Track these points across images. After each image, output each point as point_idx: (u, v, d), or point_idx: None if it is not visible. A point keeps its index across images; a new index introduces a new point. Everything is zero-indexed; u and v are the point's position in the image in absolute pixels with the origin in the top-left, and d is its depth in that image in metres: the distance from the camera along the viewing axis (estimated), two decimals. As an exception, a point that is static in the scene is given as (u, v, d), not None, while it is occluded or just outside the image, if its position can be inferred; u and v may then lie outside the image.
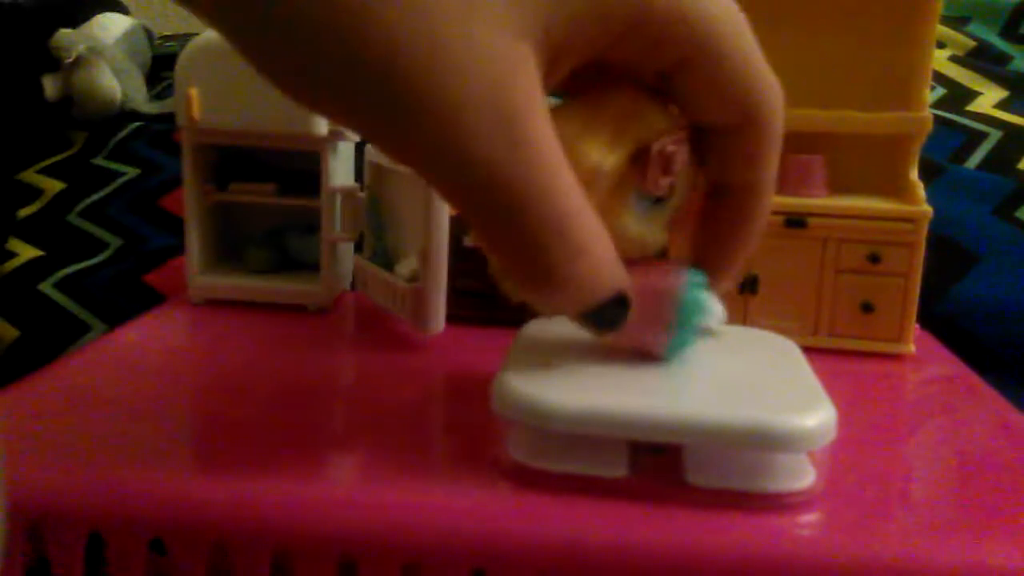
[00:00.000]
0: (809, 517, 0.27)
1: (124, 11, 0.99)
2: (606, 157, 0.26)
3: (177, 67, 0.47)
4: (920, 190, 0.44)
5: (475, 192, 0.22)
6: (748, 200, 0.29)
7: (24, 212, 0.74)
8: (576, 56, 0.24)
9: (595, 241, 0.24)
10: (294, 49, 0.21)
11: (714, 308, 0.30)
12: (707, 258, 0.30)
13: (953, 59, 0.80)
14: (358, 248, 0.51)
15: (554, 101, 0.27)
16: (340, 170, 0.50)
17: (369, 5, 0.20)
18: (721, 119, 0.27)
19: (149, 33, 0.96)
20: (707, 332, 0.30)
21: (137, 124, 0.80)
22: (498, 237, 0.24)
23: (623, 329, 0.27)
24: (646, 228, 0.29)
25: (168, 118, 0.79)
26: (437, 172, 0.23)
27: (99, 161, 0.77)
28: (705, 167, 0.29)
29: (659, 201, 0.29)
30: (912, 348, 0.44)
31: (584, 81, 0.27)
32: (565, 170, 0.23)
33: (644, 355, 0.31)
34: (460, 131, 0.21)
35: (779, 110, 0.27)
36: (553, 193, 0.23)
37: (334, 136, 0.48)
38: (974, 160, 0.66)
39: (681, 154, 0.28)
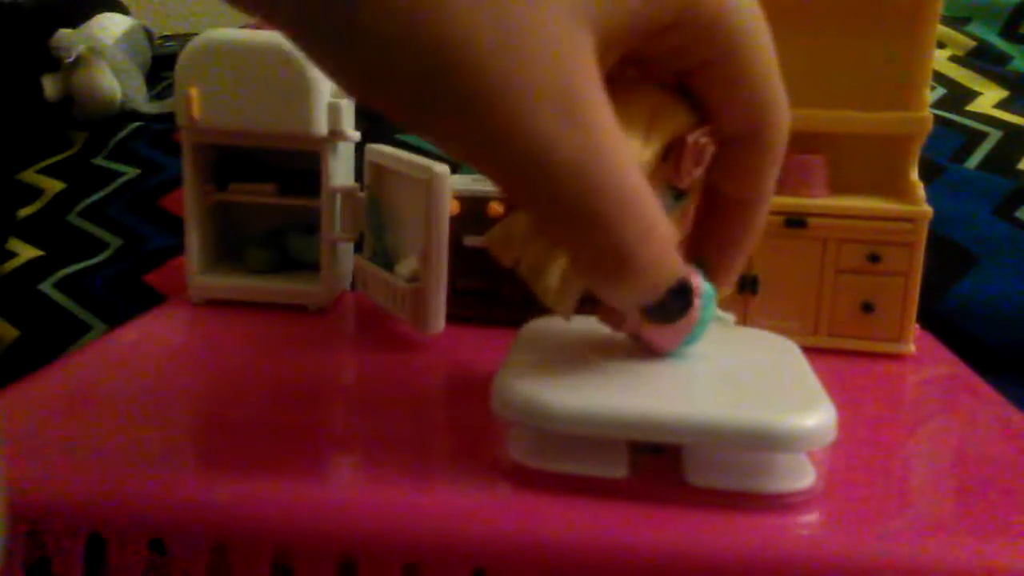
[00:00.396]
0: (809, 517, 0.27)
1: (124, 11, 0.99)
2: (643, 151, 0.26)
3: (177, 67, 0.47)
4: (920, 190, 0.44)
5: (542, 176, 0.22)
6: (745, 211, 0.29)
7: (24, 212, 0.74)
8: (623, 46, 0.25)
9: (662, 220, 0.25)
10: (366, 45, 0.21)
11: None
12: (704, 261, 0.30)
13: (953, 59, 0.80)
14: (358, 248, 0.51)
15: None
16: (340, 170, 0.50)
17: None
18: (728, 128, 0.27)
19: (149, 33, 0.96)
20: (719, 321, 0.30)
21: (137, 124, 0.80)
22: (566, 222, 0.23)
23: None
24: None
25: (168, 118, 0.79)
26: (503, 159, 0.22)
27: (99, 161, 0.77)
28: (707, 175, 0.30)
29: (680, 196, 0.29)
30: (912, 348, 0.44)
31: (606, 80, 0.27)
32: (627, 151, 0.24)
33: (653, 350, 0.31)
34: (526, 114, 0.22)
35: (785, 129, 0.28)
36: (620, 172, 0.23)
37: (334, 136, 0.48)
38: (974, 160, 0.66)
39: (711, 146, 0.28)
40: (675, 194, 0.29)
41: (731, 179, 0.29)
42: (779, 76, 0.27)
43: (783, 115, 0.27)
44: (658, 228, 0.24)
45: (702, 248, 0.30)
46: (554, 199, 0.23)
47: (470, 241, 0.47)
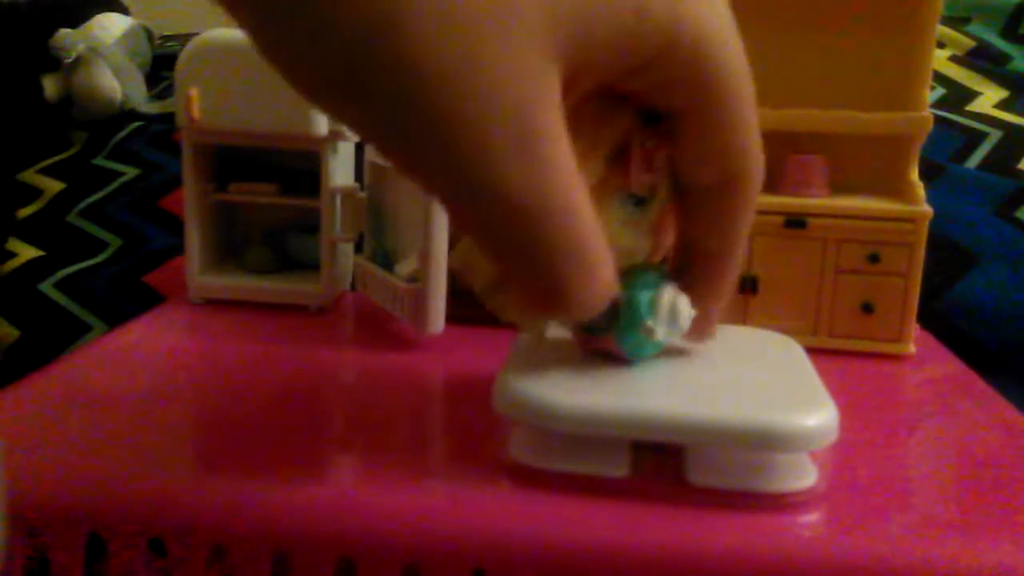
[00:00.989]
0: (810, 517, 0.27)
1: (124, 11, 0.99)
2: (591, 161, 0.26)
3: (177, 67, 0.47)
4: (920, 190, 0.44)
5: (493, 211, 0.22)
6: (714, 263, 0.28)
7: (24, 212, 0.74)
8: (591, 80, 0.24)
9: (606, 261, 0.24)
10: (324, 54, 0.21)
11: (678, 312, 0.28)
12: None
13: (953, 59, 0.80)
14: (358, 248, 0.51)
15: None
16: (340, 170, 0.50)
17: (405, 14, 0.20)
18: (701, 174, 0.27)
19: (149, 33, 0.96)
20: (684, 336, 0.29)
21: (137, 124, 0.80)
22: (513, 258, 0.23)
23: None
24: (633, 235, 0.29)
25: (168, 118, 0.79)
26: (454, 188, 0.22)
27: (99, 161, 0.77)
28: (678, 223, 0.29)
29: (641, 203, 0.29)
30: (912, 348, 0.44)
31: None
32: (582, 191, 0.23)
33: (614, 357, 0.30)
34: (484, 148, 0.21)
35: (758, 180, 0.27)
36: (572, 215, 0.23)
37: (334, 136, 0.48)
38: (974, 160, 0.66)
39: (660, 149, 0.27)
40: (635, 200, 0.28)
41: (699, 228, 0.28)
42: (756, 123, 0.26)
43: (758, 164, 0.27)
44: (600, 270, 0.24)
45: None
46: (498, 232, 0.22)
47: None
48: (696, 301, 0.29)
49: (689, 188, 0.27)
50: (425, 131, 0.21)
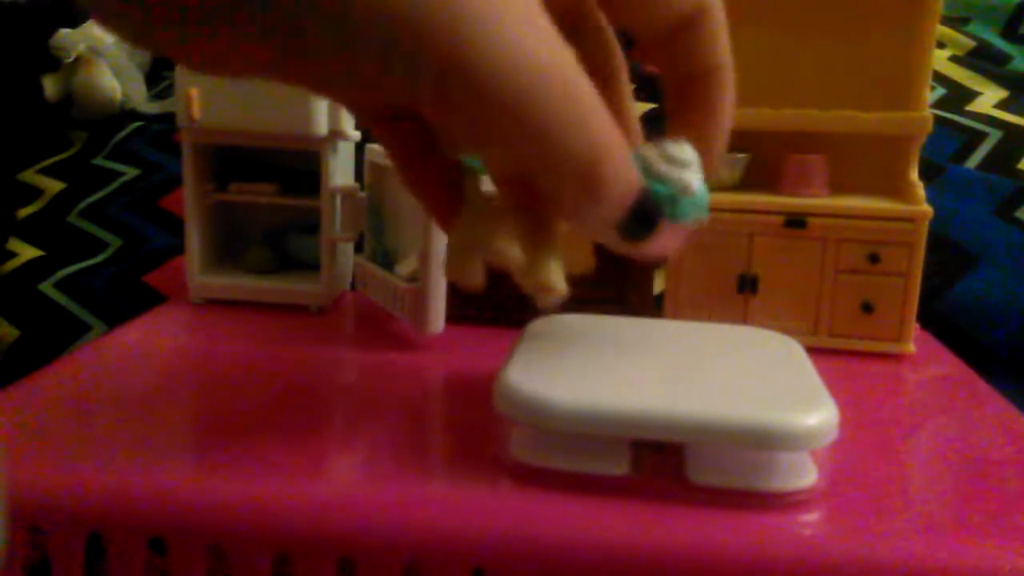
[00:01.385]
0: (810, 516, 0.27)
1: (124, 11, 0.99)
2: None
3: (177, 67, 0.47)
4: (920, 190, 0.44)
5: (519, 85, 0.22)
6: (714, 83, 0.29)
7: (24, 212, 0.74)
8: None
9: (619, 133, 0.25)
10: None
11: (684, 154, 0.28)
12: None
13: (953, 59, 0.80)
14: (358, 248, 0.51)
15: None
16: (340, 170, 0.50)
17: None
18: (681, 7, 0.28)
19: (149, 33, 0.96)
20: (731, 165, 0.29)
21: (137, 124, 0.80)
22: (542, 133, 0.23)
23: None
24: None
25: (168, 118, 0.79)
26: (480, 71, 0.22)
27: (99, 161, 0.77)
28: (664, 73, 0.30)
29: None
30: (912, 348, 0.44)
31: None
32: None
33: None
34: (496, 24, 0.21)
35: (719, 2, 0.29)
36: (584, 80, 0.23)
37: (334, 136, 0.48)
38: (974, 160, 0.66)
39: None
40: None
41: (694, 59, 0.29)
42: None
43: None
44: (618, 135, 0.24)
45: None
46: (531, 107, 0.22)
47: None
48: (707, 125, 0.29)
49: (671, 31, 0.29)
50: (440, 21, 0.21)
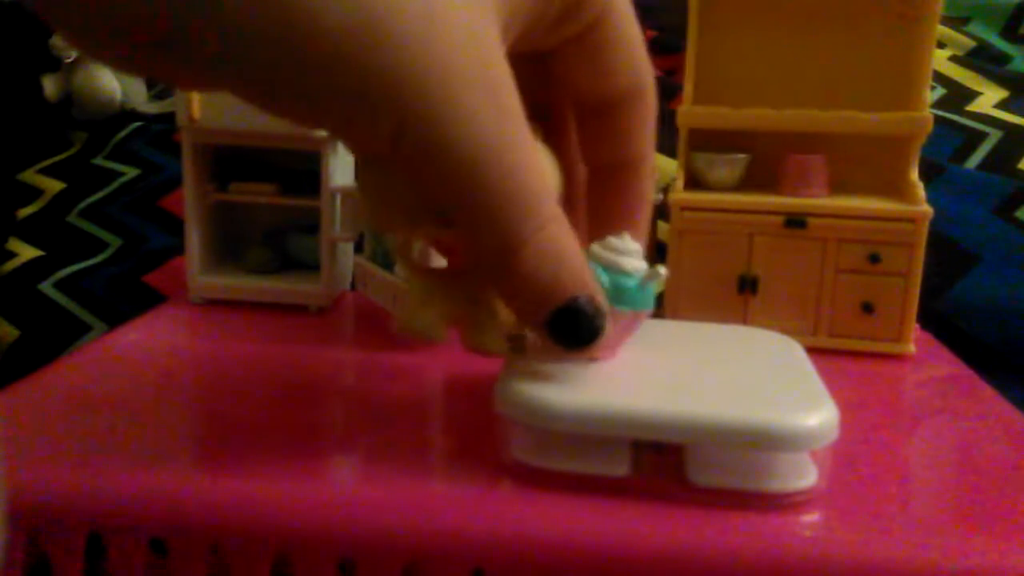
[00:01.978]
0: (811, 517, 0.27)
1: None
2: None
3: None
4: (920, 190, 0.44)
5: (466, 165, 0.22)
6: (632, 174, 0.30)
7: (24, 212, 0.74)
8: (515, 31, 0.25)
9: (560, 215, 0.25)
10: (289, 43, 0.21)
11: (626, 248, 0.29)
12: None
13: (953, 59, 0.80)
14: (358, 248, 0.51)
15: None
16: (340, 170, 0.50)
17: None
18: (611, 87, 0.29)
19: (149, 33, 0.96)
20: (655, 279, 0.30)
21: (137, 124, 0.80)
22: (487, 211, 0.23)
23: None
24: None
25: (168, 118, 0.79)
26: (431, 139, 0.22)
27: (99, 161, 0.77)
28: (587, 153, 0.30)
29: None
30: (912, 348, 0.44)
31: None
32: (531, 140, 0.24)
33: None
34: (456, 95, 0.22)
35: (654, 92, 0.30)
36: (535, 162, 0.24)
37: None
38: (974, 160, 0.66)
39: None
40: None
41: (616, 146, 0.30)
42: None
43: (650, 70, 0.29)
44: (560, 215, 0.25)
45: (599, 231, 0.30)
46: (472, 178, 0.23)
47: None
48: (627, 220, 0.30)
49: (598, 111, 0.29)
50: (401, 86, 0.21)
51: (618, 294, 0.29)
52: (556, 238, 0.25)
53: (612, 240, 0.30)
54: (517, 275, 0.24)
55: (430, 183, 0.23)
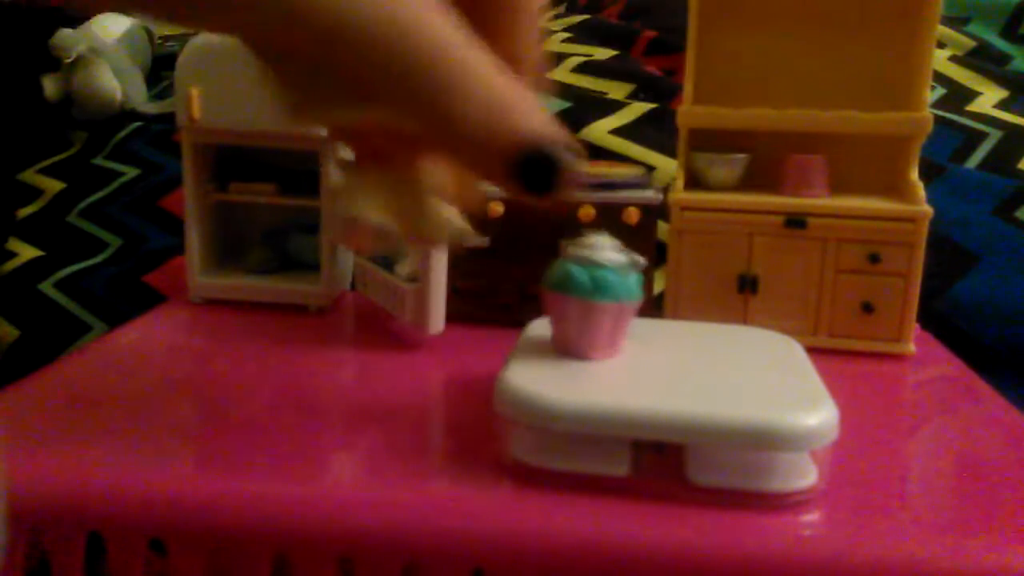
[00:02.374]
0: (810, 516, 0.27)
1: (124, 11, 0.99)
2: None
3: (177, 67, 0.47)
4: (920, 190, 0.44)
5: (370, 31, 0.21)
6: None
7: (24, 212, 0.74)
8: None
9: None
10: None
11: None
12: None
13: (953, 59, 0.80)
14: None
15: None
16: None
17: None
18: None
19: (149, 33, 0.96)
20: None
21: (137, 124, 0.80)
22: (409, 70, 0.21)
23: None
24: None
25: (168, 118, 0.79)
26: (325, 28, 0.21)
27: (99, 161, 0.77)
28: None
29: None
30: (912, 348, 0.44)
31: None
32: None
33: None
34: None
35: None
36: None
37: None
38: (974, 160, 0.66)
39: None
40: None
41: None
42: None
43: None
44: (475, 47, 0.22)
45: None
46: (378, 46, 0.21)
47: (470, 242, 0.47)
48: (516, 24, 0.28)
49: None
50: None
51: (599, 287, 0.30)
52: (487, 70, 0.23)
53: (585, 239, 0.31)
54: (460, 122, 0.23)
55: (338, 62, 0.22)
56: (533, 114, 0.23)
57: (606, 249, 0.31)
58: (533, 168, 0.23)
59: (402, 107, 0.23)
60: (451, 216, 0.28)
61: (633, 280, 0.31)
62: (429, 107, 0.22)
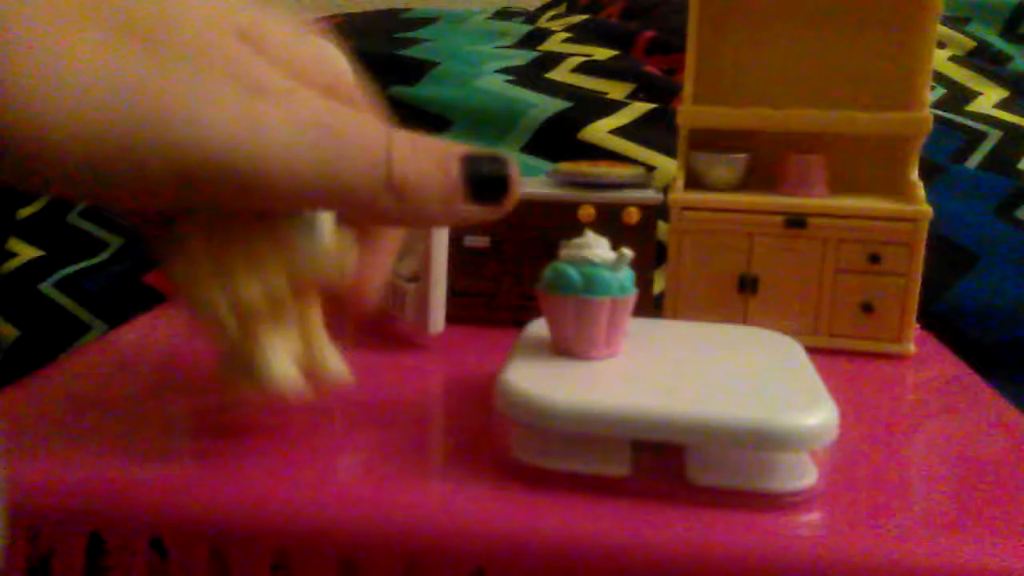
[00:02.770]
0: (810, 516, 0.27)
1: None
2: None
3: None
4: (920, 190, 0.44)
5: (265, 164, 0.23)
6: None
7: (24, 212, 0.74)
8: None
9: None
10: None
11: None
12: None
13: (953, 59, 0.80)
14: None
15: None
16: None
17: None
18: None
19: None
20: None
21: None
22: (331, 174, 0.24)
23: None
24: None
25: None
26: (221, 172, 0.23)
27: (99, 161, 0.77)
28: None
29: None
30: (912, 348, 0.44)
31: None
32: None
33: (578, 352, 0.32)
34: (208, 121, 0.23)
35: None
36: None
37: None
38: (974, 160, 0.66)
39: None
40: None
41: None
42: None
43: None
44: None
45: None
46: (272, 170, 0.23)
47: (470, 241, 0.47)
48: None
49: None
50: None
51: (591, 285, 0.30)
52: (403, 136, 0.25)
53: (575, 240, 0.32)
54: (402, 185, 0.24)
55: (244, 202, 0.24)
56: (448, 146, 0.25)
57: (596, 247, 0.31)
58: (481, 183, 0.26)
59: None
60: (329, 355, 0.29)
61: (625, 275, 0.31)
62: (368, 190, 0.25)
